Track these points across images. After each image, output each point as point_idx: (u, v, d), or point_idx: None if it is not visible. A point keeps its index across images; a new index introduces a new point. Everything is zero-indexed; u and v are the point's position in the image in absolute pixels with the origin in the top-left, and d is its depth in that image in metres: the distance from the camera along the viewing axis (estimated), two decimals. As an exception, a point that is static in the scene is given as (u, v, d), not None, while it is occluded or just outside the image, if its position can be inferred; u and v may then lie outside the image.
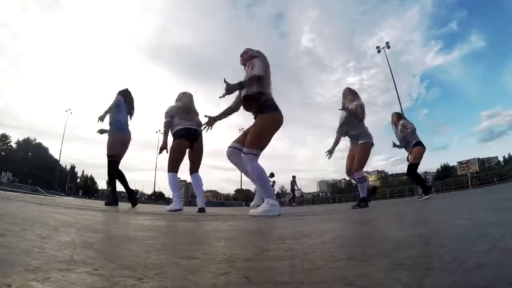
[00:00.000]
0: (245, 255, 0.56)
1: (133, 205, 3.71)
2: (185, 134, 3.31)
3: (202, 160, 3.54)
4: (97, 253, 0.56)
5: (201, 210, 3.25)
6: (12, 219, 1.06)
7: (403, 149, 4.70)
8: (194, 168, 3.46)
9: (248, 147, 2.16)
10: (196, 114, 3.52)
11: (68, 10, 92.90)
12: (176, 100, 3.55)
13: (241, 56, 2.53)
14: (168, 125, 3.37)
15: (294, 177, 14.04)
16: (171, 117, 3.37)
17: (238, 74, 2.73)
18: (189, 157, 3.47)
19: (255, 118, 2.30)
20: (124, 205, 4.11)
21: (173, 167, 3.30)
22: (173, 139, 3.38)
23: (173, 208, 3.15)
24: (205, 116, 2.51)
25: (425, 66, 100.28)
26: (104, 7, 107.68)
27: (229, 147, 2.41)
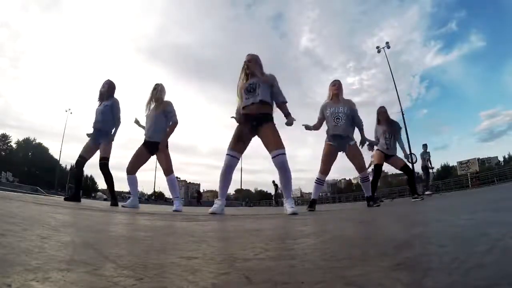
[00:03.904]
0: (245, 255, 0.56)
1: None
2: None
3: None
4: (97, 253, 0.56)
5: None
6: (12, 219, 1.06)
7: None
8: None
9: (282, 147, 2.47)
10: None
11: (68, 10, 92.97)
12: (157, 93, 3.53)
13: (250, 62, 2.65)
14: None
15: (425, 146, 9.28)
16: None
17: (237, 74, 2.73)
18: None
19: (256, 128, 2.54)
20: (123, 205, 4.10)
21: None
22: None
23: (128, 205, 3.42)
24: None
25: (424, 66, 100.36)
26: (104, 7, 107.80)
27: (232, 156, 2.55)
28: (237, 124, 2.65)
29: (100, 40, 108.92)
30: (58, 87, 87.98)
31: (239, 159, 2.60)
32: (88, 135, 3.78)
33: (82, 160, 3.69)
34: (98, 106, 3.83)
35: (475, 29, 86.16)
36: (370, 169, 5.34)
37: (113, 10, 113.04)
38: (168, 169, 3.47)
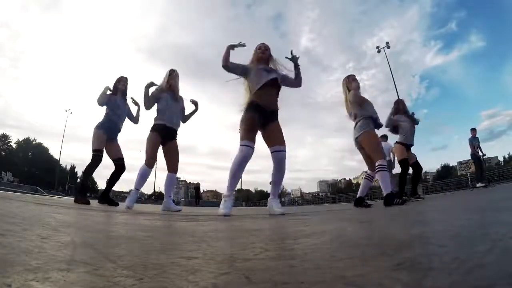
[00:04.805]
0: (245, 255, 0.56)
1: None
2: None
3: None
4: (97, 253, 0.56)
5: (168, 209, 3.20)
6: (12, 219, 1.06)
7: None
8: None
9: (285, 145, 2.46)
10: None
11: (68, 10, 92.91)
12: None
13: (267, 50, 2.64)
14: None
15: (474, 130, 8.05)
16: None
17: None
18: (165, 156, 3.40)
19: (267, 122, 2.48)
20: (123, 205, 4.11)
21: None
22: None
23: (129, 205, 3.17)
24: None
25: (424, 66, 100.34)
26: (104, 7, 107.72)
27: (251, 147, 2.38)
28: (248, 113, 2.48)
29: (100, 40, 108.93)
30: (58, 87, 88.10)
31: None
32: (106, 89, 3.52)
33: (101, 155, 3.46)
34: (116, 99, 3.60)
35: (475, 29, 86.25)
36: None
37: (113, 10, 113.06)
38: (177, 165, 3.38)
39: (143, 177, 3.26)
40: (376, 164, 3.02)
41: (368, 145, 3.15)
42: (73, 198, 3.55)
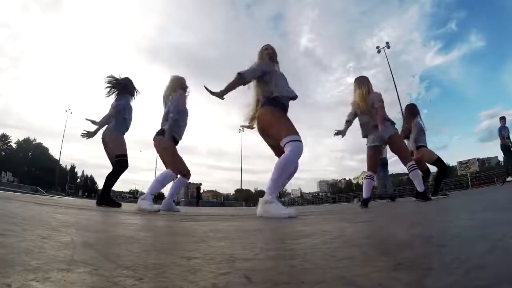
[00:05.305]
0: (245, 255, 0.56)
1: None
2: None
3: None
4: (97, 253, 0.56)
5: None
6: (12, 219, 1.06)
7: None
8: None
9: None
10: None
11: (68, 10, 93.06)
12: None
13: (275, 52, 2.50)
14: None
15: (503, 119, 7.30)
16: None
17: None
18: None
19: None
20: (124, 205, 4.10)
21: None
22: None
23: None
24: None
25: (424, 66, 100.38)
26: (104, 7, 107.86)
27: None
28: (280, 110, 2.30)
29: (100, 40, 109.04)
30: (58, 87, 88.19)
31: None
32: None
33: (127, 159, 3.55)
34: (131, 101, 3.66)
35: (475, 29, 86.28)
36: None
37: (113, 10, 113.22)
38: (185, 167, 3.34)
39: (163, 183, 3.03)
40: (409, 164, 3.29)
41: (400, 147, 3.40)
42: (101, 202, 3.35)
